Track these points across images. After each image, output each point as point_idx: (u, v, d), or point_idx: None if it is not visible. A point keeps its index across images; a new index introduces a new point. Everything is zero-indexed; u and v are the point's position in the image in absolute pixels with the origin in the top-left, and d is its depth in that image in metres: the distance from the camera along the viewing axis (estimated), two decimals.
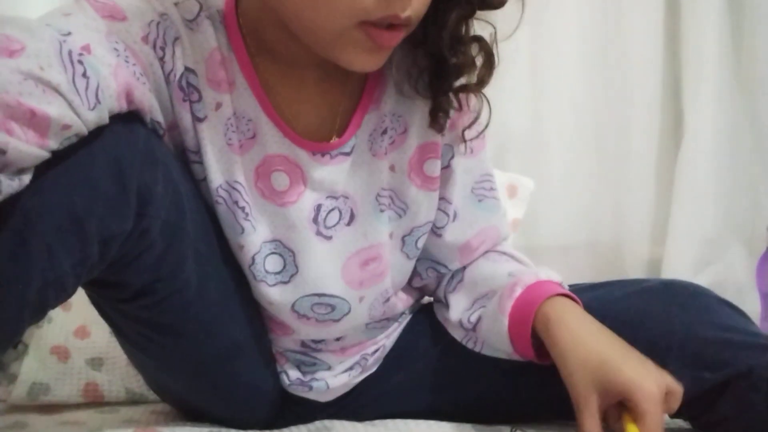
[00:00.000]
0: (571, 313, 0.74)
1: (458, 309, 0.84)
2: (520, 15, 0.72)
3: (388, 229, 0.81)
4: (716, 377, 0.74)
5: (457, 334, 0.85)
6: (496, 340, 0.79)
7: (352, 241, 0.79)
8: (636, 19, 1.62)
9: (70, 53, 0.56)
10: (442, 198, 0.83)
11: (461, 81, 0.77)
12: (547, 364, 0.75)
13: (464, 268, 0.88)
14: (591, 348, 0.70)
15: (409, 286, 0.89)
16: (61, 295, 0.60)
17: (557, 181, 1.62)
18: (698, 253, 1.63)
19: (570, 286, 0.86)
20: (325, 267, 0.78)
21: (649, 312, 0.78)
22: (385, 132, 0.78)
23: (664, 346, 0.75)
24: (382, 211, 0.79)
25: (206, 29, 0.71)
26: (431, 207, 0.82)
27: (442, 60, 0.74)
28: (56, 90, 0.53)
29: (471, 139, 0.82)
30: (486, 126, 0.81)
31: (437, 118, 0.78)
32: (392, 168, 0.80)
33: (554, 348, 0.72)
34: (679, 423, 0.83)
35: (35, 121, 0.52)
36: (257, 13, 0.72)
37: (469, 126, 0.81)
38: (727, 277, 1.63)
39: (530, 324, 0.75)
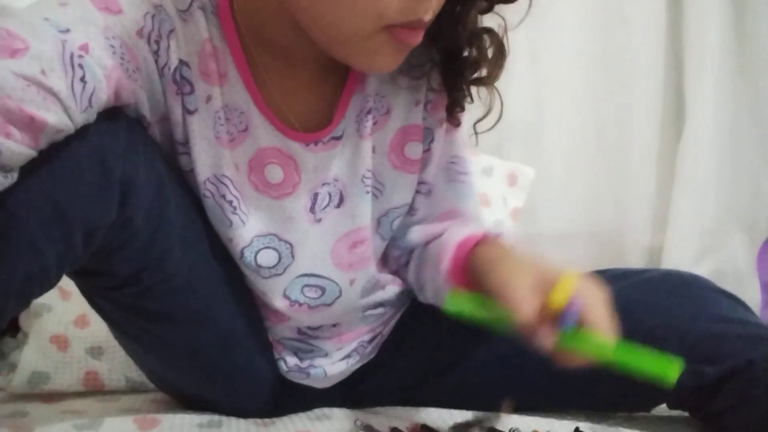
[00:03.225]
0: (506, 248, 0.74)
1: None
2: (528, 6, 0.72)
3: (371, 211, 0.80)
4: (716, 371, 0.74)
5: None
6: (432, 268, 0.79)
7: (341, 223, 0.79)
8: (638, 8, 1.61)
9: (71, 56, 0.56)
10: (422, 182, 0.83)
11: (475, 74, 0.76)
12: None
13: (425, 245, 0.86)
14: (523, 259, 0.68)
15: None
16: (45, 285, 0.60)
17: (558, 170, 1.62)
18: (699, 242, 1.63)
19: None
20: (315, 248, 0.78)
21: (648, 304, 0.78)
22: (369, 112, 0.78)
23: (662, 340, 0.73)
24: (367, 192, 0.79)
25: (198, 20, 0.69)
26: (408, 189, 0.82)
27: (456, 54, 0.74)
28: (56, 97, 0.54)
29: (449, 119, 0.81)
30: (499, 119, 0.80)
31: (454, 113, 0.79)
32: (374, 149, 0.79)
33: (490, 265, 0.69)
34: (679, 413, 0.84)
35: (32, 126, 0.53)
36: (258, 6, 0.70)
37: (481, 119, 0.80)
38: (727, 266, 1.63)
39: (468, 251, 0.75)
